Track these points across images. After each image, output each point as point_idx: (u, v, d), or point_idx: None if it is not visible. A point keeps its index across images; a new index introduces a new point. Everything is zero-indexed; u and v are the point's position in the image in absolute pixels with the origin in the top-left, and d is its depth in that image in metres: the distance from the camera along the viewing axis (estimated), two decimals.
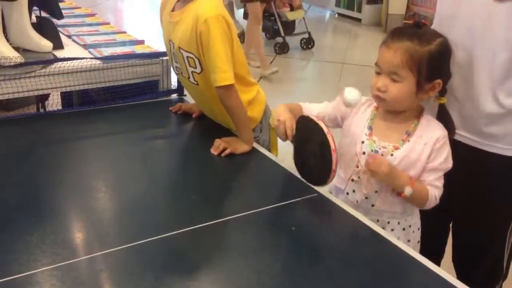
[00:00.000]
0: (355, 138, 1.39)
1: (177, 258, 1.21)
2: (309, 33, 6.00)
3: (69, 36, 2.39)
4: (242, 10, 6.00)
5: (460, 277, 1.55)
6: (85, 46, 2.25)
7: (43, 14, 2.34)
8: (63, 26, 2.49)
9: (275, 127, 1.45)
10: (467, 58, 1.41)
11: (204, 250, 1.24)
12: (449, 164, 1.37)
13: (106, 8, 8.09)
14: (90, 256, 1.18)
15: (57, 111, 2.17)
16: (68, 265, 1.13)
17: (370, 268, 1.19)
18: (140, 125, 1.94)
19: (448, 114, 1.42)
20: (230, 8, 5.94)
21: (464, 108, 1.46)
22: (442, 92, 1.38)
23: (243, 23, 6.11)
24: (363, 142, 1.38)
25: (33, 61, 1.95)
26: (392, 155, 1.35)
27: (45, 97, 2.47)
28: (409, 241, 1.47)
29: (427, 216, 1.60)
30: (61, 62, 1.97)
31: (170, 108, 2.01)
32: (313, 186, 1.47)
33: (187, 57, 1.72)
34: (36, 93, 1.98)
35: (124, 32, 2.54)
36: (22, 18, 2.04)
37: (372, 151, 1.36)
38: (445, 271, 1.18)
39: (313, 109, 1.51)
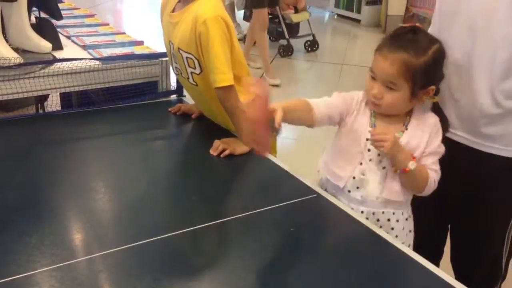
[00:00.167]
0: (359, 136, 1.39)
1: (176, 259, 1.21)
2: (313, 35, 5.96)
3: (68, 37, 2.39)
4: (242, 12, 5.97)
5: (459, 277, 1.55)
6: (84, 47, 2.25)
7: (43, 15, 2.34)
8: (62, 27, 2.49)
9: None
10: (466, 58, 1.41)
11: (203, 251, 1.24)
12: (443, 149, 1.39)
13: (105, 9, 8.09)
14: (89, 257, 1.18)
15: (56, 112, 2.18)
16: (67, 266, 1.13)
17: (369, 269, 1.19)
18: (139, 126, 1.94)
19: (442, 111, 1.43)
20: (231, 10, 5.93)
21: (462, 109, 1.46)
22: (436, 92, 1.39)
23: (244, 24, 6.12)
24: (367, 139, 1.38)
25: (32, 62, 1.95)
26: None
27: (44, 98, 2.47)
28: (410, 231, 1.48)
29: (425, 217, 1.61)
30: (60, 63, 1.97)
31: (170, 109, 2.01)
32: (311, 187, 1.47)
33: (187, 57, 1.72)
34: (35, 94, 1.98)
35: (124, 33, 2.55)
36: (22, 19, 2.04)
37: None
38: (444, 271, 1.18)
39: (320, 105, 1.43)
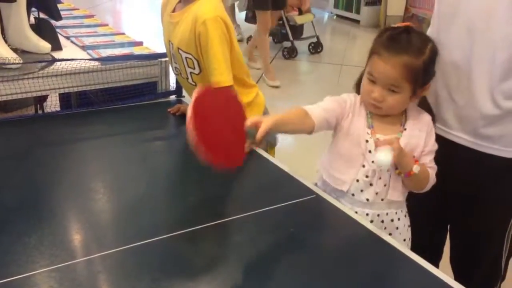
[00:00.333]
0: (358, 138, 1.39)
1: (175, 260, 1.21)
2: (317, 37, 5.93)
3: (67, 38, 2.39)
4: (244, 13, 5.95)
5: (458, 278, 1.55)
6: (84, 48, 2.25)
7: (42, 15, 2.34)
8: (61, 27, 2.49)
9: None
10: (466, 59, 1.41)
11: (202, 251, 1.24)
12: (437, 145, 1.42)
13: (104, 10, 8.10)
14: (88, 257, 1.18)
15: (55, 112, 2.17)
16: (66, 267, 1.13)
17: (369, 269, 1.19)
18: (139, 127, 1.94)
19: (429, 104, 1.46)
20: (231, 11, 5.93)
21: (461, 110, 1.46)
22: None
23: (244, 25, 6.11)
24: (367, 141, 1.38)
25: (31, 60, 1.95)
26: None
27: (44, 98, 2.46)
28: (409, 226, 1.49)
29: (425, 217, 1.61)
30: (59, 64, 1.97)
31: (169, 110, 2.01)
32: (310, 188, 1.47)
33: (186, 58, 1.72)
34: (34, 94, 1.98)
35: (123, 34, 2.55)
36: (21, 19, 2.04)
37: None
38: (443, 272, 1.18)
39: (316, 111, 1.41)
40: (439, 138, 1.46)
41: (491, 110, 1.41)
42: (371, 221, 1.39)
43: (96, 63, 2.04)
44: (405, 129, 1.39)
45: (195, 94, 1.18)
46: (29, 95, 1.95)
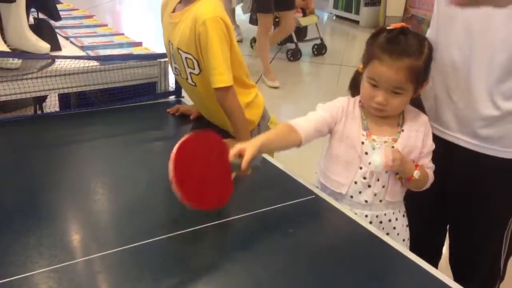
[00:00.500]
0: (353, 141, 1.39)
1: (175, 260, 1.21)
2: (321, 39, 5.89)
3: (66, 38, 2.39)
4: (240, 13, 5.95)
5: (457, 278, 1.55)
6: (83, 48, 2.25)
7: (41, 15, 2.34)
8: (60, 27, 2.49)
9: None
10: (465, 60, 1.42)
11: (202, 252, 1.24)
12: (434, 145, 1.43)
13: (104, 10, 8.10)
14: (87, 258, 1.17)
15: (54, 112, 2.18)
16: (65, 267, 1.13)
17: (367, 270, 1.19)
18: (138, 127, 1.94)
19: (419, 98, 1.46)
20: (231, 12, 5.92)
21: (461, 111, 1.46)
22: None
23: (244, 26, 6.10)
24: (362, 143, 1.38)
25: (31, 56, 1.95)
26: (393, 147, 1.37)
27: (43, 98, 2.46)
28: (407, 226, 1.50)
29: (424, 218, 1.61)
30: (58, 64, 1.97)
31: (168, 110, 2.01)
32: (309, 188, 1.47)
33: (186, 58, 1.72)
34: (33, 94, 1.98)
35: (122, 34, 2.55)
36: (20, 20, 2.04)
37: (373, 149, 1.37)
38: (442, 272, 1.18)
39: (303, 125, 1.41)
40: (438, 139, 1.47)
41: (490, 111, 1.41)
42: (370, 222, 1.39)
43: (96, 63, 2.04)
44: (402, 131, 1.39)
45: (172, 156, 1.22)
46: (28, 95, 1.95)
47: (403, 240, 1.47)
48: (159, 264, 1.17)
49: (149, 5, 8.55)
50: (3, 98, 1.90)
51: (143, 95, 2.14)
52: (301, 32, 5.78)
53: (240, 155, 1.25)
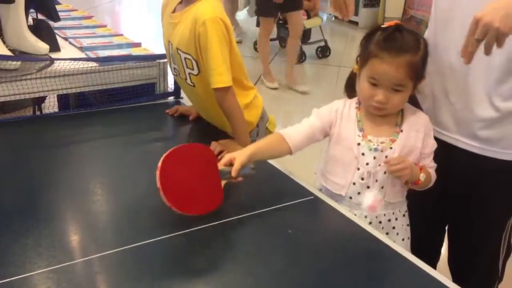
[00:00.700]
0: (349, 143, 1.40)
1: (174, 261, 1.21)
2: (325, 41, 5.87)
3: (65, 39, 2.39)
4: (242, 13, 5.94)
5: (455, 279, 1.55)
6: (82, 49, 2.25)
7: (40, 16, 2.34)
8: (59, 28, 2.49)
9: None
10: (462, 62, 1.41)
11: (201, 252, 1.24)
12: (436, 145, 1.44)
13: (103, 11, 8.10)
14: (86, 258, 1.17)
15: (53, 113, 2.18)
16: (64, 268, 1.13)
17: (366, 270, 1.19)
18: (137, 128, 1.94)
19: (414, 96, 1.46)
20: (231, 13, 5.92)
21: (459, 112, 1.46)
22: None
23: (254, 29, 6.09)
24: (358, 144, 1.39)
25: (29, 58, 1.94)
26: (391, 148, 1.38)
27: (42, 99, 2.46)
28: (407, 225, 1.50)
29: (423, 219, 1.61)
30: (57, 65, 1.97)
31: (167, 111, 2.01)
32: (309, 189, 1.47)
33: (185, 58, 1.73)
34: (32, 95, 1.98)
35: (121, 35, 2.55)
36: (19, 20, 2.04)
37: (370, 150, 1.37)
38: (441, 273, 1.18)
39: (294, 135, 1.44)
40: (437, 140, 1.47)
41: (489, 112, 1.41)
42: (370, 223, 1.40)
43: (95, 64, 2.04)
44: (401, 131, 1.39)
45: (159, 165, 1.24)
46: (27, 96, 1.95)
47: (403, 239, 1.47)
48: (158, 264, 1.17)
49: (148, 6, 8.56)
50: (2, 99, 1.89)
51: (142, 96, 2.14)
52: (305, 34, 5.71)
53: (231, 164, 1.32)
